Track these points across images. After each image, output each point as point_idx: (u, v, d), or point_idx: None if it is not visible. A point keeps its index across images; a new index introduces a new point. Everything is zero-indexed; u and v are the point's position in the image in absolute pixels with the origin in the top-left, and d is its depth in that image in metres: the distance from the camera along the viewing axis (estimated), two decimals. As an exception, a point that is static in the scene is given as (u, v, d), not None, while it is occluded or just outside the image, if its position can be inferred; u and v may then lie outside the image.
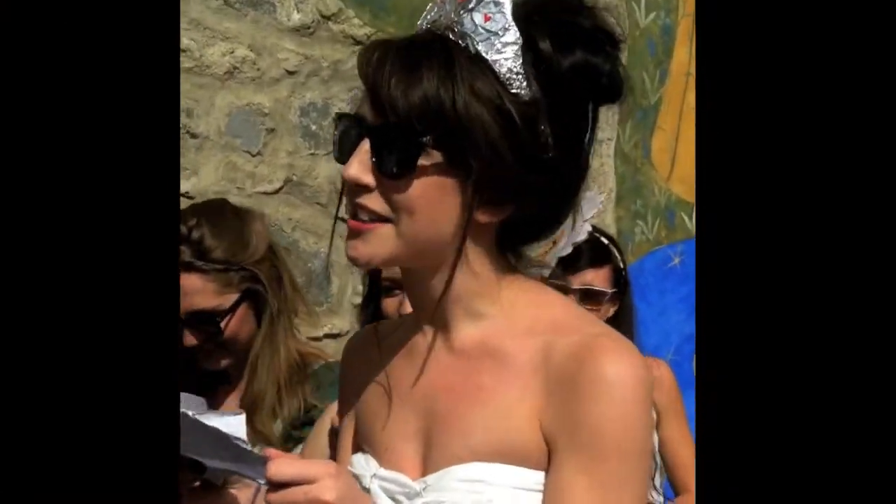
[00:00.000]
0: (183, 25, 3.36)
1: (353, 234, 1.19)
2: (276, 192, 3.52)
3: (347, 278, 3.44)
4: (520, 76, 1.16)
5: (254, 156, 3.46)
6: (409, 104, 1.13)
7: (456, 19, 1.17)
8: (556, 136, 1.17)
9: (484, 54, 1.16)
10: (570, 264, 2.54)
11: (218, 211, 2.34)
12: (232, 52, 3.47)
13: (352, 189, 1.18)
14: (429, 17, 1.21)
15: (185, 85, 3.36)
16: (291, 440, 2.20)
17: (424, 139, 1.14)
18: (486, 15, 1.16)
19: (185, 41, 3.37)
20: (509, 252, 1.25)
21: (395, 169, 1.15)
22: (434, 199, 1.16)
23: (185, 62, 3.37)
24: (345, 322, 3.50)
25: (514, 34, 1.15)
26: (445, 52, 1.15)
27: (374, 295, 2.29)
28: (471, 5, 1.16)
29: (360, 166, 1.16)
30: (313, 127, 3.57)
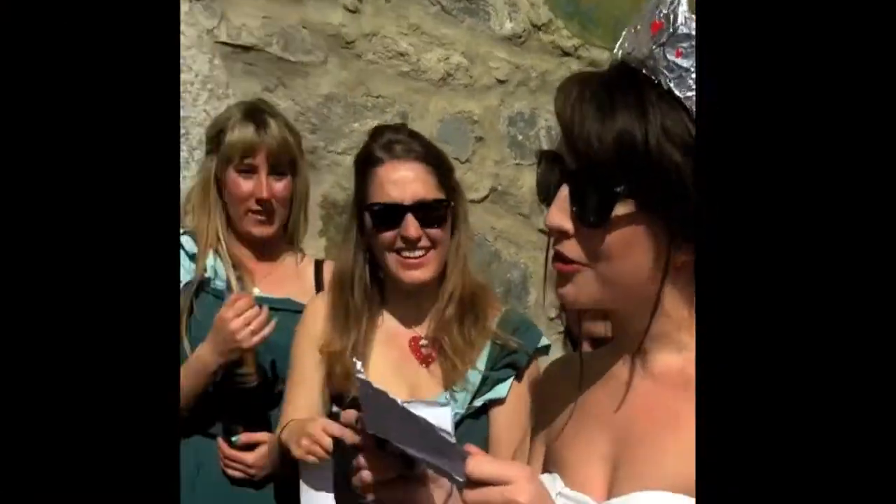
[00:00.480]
0: (402, 30, 3.40)
1: (560, 277, 1.20)
2: (482, 200, 3.52)
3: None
4: None
5: (462, 163, 3.47)
6: (604, 145, 1.12)
7: (648, 54, 1.15)
8: None
9: (676, 91, 1.14)
10: None
11: (418, 133, 2.37)
12: (447, 59, 3.48)
13: (553, 234, 1.20)
14: (625, 45, 1.19)
15: (400, 88, 3.40)
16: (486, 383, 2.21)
17: (619, 188, 1.13)
18: (678, 50, 1.14)
19: (403, 45, 3.41)
20: None
21: (592, 218, 1.15)
22: (631, 245, 1.16)
23: (402, 66, 3.41)
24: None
25: None
26: (638, 88, 1.14)
27: (577, 321, 2.23)
28: (663, 40, 1.14)
29: (560, 214, 1.17)
30: (520, 137, 3.57)
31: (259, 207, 2.48)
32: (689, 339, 1.20)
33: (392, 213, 2.19)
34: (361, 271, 2.25)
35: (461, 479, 1.11)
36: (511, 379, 2.23)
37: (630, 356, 1.25)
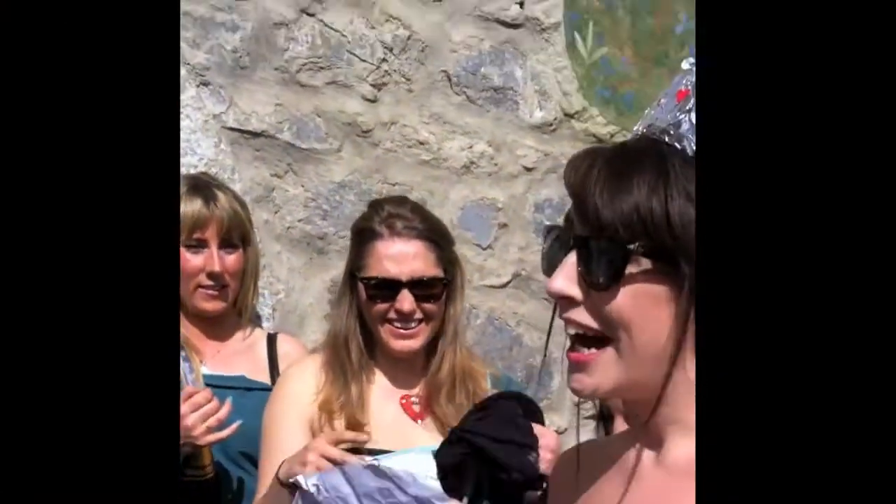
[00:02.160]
0: (423, 119, 3.43)
1: (575, 368, 1.12)
2: (504, 286, 3.44)
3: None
4: None
5: (484, 249, 3.41)
6: (616, 213, 1.06)
7: (673, 121, 1.10)
8: None
9: None
10: None
11: (419, 205, 2.45)
12: (471, 147, 3.48)
13: (560, 304, 1.12)
14: (644, 121, 1.14)
15: (419, 177, 3.40)
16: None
17: (632, 246, 1.06)
18: None
19: (424, 134, 3.44)
20: None
21: (601, 279, 1.07)
22: (646, 309, 1.08)
23: (422, 155, 3.43)
24: (563, 420, 3.32)
25: None
26: (659, 156, 1.08)
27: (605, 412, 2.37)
28: (689, 106, 1.09)
29: (565, 280, 1.10)
30: (547, 222, 3.49)
31: (210, 282, 2.50)
32: None
33: (388, 288, 2.25)
34: (354, 335, 2.31)
35: None
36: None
37: (645, 446, 1.17)
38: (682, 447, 1.11)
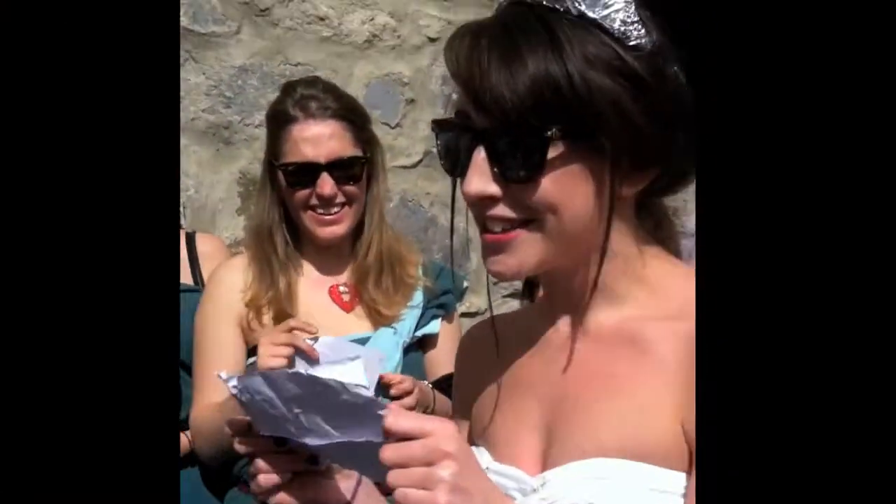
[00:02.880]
0: (321, -8, 3.29)
1: (494, 249, 1.06)
2: (415, 165, 3.41)
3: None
4: (636, 25, 1.01)
5: (392, 128, 3.35)
6: (518, 95, 0.98)
7: None
8: (684, 75, 1.03)
9: (589, 13, 1.00)
10: None
11: (332, 84, 2.38)
12: (372, 20, 3.36)
13: (477, 203, 1.04)
14: None
15: (322, 54, 3.29)
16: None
17: (548, 133, 0.99)
18: None
19: (323, 9, 3.29)
20: (649, 218, 1.11)
21: (522, 173, 1.01)
22: (572, 190, 1.02)
23: (323, 31, 3.30)
24: (483, 300, 3.37)
25: None
26: (543, 22, 1.00)
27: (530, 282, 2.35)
28: None
29: (481, 179, 1.02)
30: (455, 96, 3.43)
31: None
32: (631, 289, 1.10)
33: (307, 172, 2.19)
34: (278, 226, 2.26)
35: (378, 440, 1.01)
36: (441, 319, 2.31)
37: (564, 316, 1.13)
38: (607, 314, 1.10)
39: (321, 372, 1.06)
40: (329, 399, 1.04)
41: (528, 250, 1.05)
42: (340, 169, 2.19)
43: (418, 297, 2.28)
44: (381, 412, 1.00)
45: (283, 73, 3.20)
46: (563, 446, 1.08)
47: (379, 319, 2.24)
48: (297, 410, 1.08)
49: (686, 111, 1.02)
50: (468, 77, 1.00)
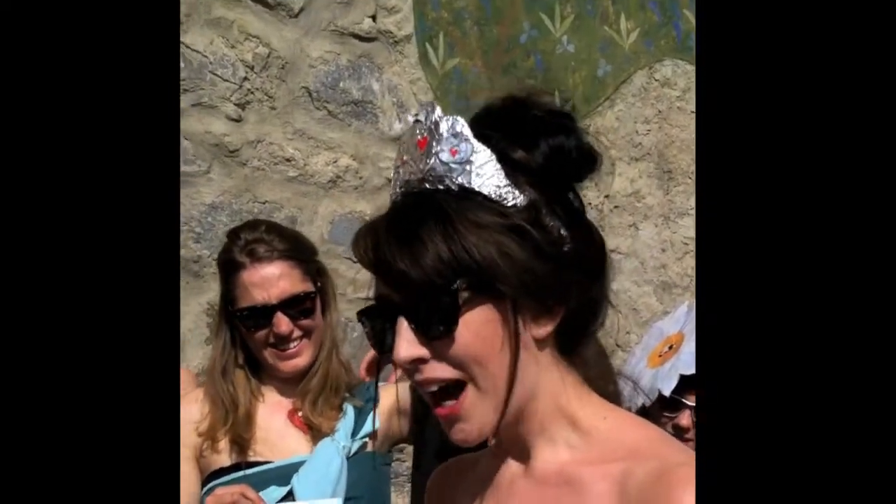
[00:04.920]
0: (287, 135, 3.46)
1: (449, 422, 1.15)
2: (377, 297, 3.51)
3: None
4: (509, 187, 1.13)
5: (355, 262, 3.47)
6: (425, 271, 1.10)
7: (424, 168, 1.15)
8: (565, 224, 1.16)
9: (468, 185, 1.13)
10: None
11: (274, 223, 2.50)
12: (335, 162, 3.53)
13: (410, 369, 1.15)
14: (397, 184, 1.19)
15: (288, 193, 3.44)
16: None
17: (455, 286, 1.11)
18: (451, 149, 1.13)
19: (290, 151, 3.46)
20: (577, 358, 1.21)
21: (441, 328, 1.12)
22: (491, 338, 1.13)
23: (289, 171, 3.46)
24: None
25: (485, 153, 1.13)
26: (432, 204, 1.13)
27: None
28: (433, 149, 1.14)
29: (409, 344, 1.13)
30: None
31: None
32: (566, 433, 1.18)
33: (261, 315, 2.27)
34: (241, 364, 2.34)
35: None
36: (372, 412, 2.38)
37: (512, 460, 1.22)
38: (548, 457, 1.18)
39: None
40: None
41: (478, 411, 1.14)
42: (293, 306, 2.28)
43: (350, 410, 2.37)
44: None
45: (251, 210, 3.35)
46: None
47: (318, 436, 2.33)
48: None
49: (572, 255, 1.15)
50: (379, 267, 1.13)
